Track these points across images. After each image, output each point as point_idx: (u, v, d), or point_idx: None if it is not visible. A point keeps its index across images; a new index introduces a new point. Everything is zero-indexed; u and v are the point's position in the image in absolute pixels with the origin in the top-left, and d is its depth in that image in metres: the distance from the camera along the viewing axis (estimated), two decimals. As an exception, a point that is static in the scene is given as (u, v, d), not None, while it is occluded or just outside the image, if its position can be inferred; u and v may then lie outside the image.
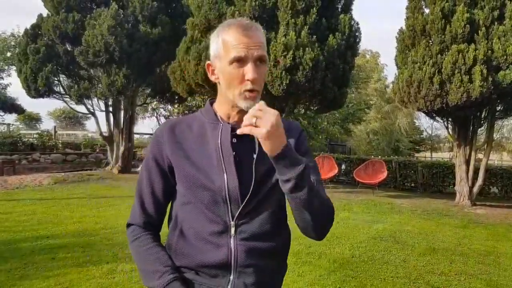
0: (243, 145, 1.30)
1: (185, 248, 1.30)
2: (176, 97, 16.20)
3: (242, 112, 1.26)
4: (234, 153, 1.28)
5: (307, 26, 10.48)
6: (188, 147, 1.32)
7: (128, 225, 1.41)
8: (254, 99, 1.24)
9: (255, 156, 1.30)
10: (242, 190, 1.26)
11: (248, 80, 1.23)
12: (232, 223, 1.26)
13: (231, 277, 1.26)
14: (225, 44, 1.26)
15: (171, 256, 1.32)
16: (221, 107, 1.35)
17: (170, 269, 1.27)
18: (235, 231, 1.26)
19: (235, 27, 1.26)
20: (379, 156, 16.42)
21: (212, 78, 1.34)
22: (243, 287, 1.26)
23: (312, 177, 1.27)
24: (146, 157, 1.39)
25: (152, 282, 1.27)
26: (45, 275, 4.45)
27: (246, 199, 1.26)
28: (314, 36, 10.50)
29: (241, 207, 1.26)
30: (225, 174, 1.26)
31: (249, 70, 1.23)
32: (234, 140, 1.29)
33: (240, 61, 1.23)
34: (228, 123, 1.33)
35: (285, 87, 10.09)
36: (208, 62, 1.35)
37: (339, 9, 12.01)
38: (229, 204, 1.26)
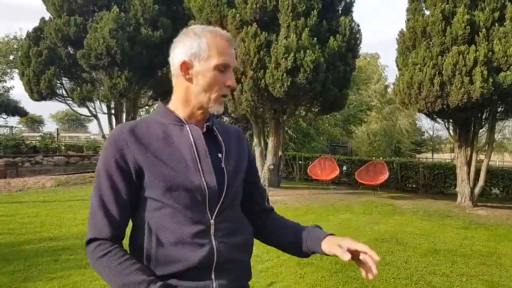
0: (209, 144, 1.32)
1: (167, 255, 1.23)
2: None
3: (205, 114, 1.34)
4: (210, 153, 1.30)
5: (308, 29, 10.54)
6: (156, 149, 1.26)
7: (91, 240, 1.24)
8: (223, 104, 1.34)
9: (220, 155, 1.34)
10: (219, 187, 1.28)
11: (229, 86, 1.31)
12: (212, 221, 1.26)
13: (213, 275, 1.25)
14: (212, 48, 1.28)
15: (151, 266, 1.24)
16: (183, 108, 1.33)
17: (155, 278, 1.19)
18: (215, 229, 1.26)
19: (222, 36, 1.31)
20: (381, 158, 16.45)
21: (185, 77, 1.31)
22: (227, 282, 1.27)
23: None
24: (104, 164, 1.25)
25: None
26: (49, 277, 4.49)
27: (223, 196, 1.29)
28: (315, 38, 10.56)
29: (219, 205, 1.28)
30: (202, 174, 1.26)
31: (231, 78, 1.31)
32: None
33: (224, 68, 1.29)
34: (194, 124, 1.33)
35: (286, 89, 10.14)
36: (184, 59, 1.31)
37: (340, 11, 12.07)
38: (207, 202, 1.26)
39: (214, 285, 1.25)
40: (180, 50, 1.32)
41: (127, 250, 1.27)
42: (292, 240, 1.46)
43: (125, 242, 1.29)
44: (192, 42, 1.30)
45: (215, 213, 1.27)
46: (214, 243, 1.25)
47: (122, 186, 1.25)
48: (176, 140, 1.29)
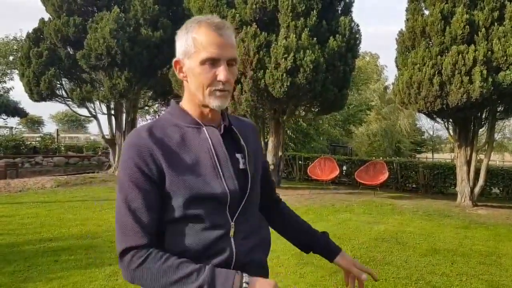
0: (228, 146, 1.29)
1: (188, 256, 1.20)
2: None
3: (215, 111, 1.28)
4: (228, 156, 1.27)
5: (308, 29, 10.55)
6: (176, 155, 1.22)
7: (125, 251, 1.18)
8: (225, 98, 1.25)
9: (240, 155, 1.32)
10: (241, 191, 1.26)
11: (220, 81, 1.21)
12: (232, 223, 1.24)
13: None
14: (196, 42, 1.22)
15: None
16: (192, 108, 1.30)
17: (202, 265, 1.16)
18: (234, 232, 1.24)
19: (207, 25, 1.22)
20: (381, 158, 16.44)
21: (180, 76, 1.30)
22: None
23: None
24: (127, 171, 1.20)
25: (193, 284, 1.13)
26: (49, 277, 4.49)
27: (244, 200, 1.27)
28: (315, 39, 10.57)
29: (240, 209, 1.27)
30: (223, 179, 1.23)
31: (221, 71, 1.21)
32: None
33: (212, 61, 1.21)
34: (211, 125, 1.29)
35: (286, 89, 10.14)
36: (175, 59, 1.30)
37: (339, 12, 12.08)
38: (227, 208, 1.24)
39: None
40: (176, 49, 1.30)
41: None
42: (296, 237, 1.60)
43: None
44: (182, 40, 1.27)
45: (235, 216, 1.26)
46: (233, 246, 1.23)
47: (149, 191, 1.19)
48: (195, 144, 1.25)
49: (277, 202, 1.65)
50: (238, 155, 1.31)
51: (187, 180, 1.19)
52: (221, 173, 1.23)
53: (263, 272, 1.36)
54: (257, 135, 1.49)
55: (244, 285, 1.12)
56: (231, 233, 1.24)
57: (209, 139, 1.26)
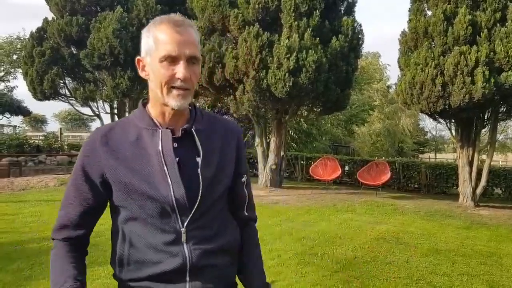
0: (185, 149, 1.27)
1: (139, 259, 1.24)
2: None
3: (177, 112, 1.26)
4: (177, 159, 1.24)
5: (310, 29, 10.56)
6: (126, 156, 1.23)
7: (52, 239, 1.31)
8: (185, 97, 1.22)
9: (199, 160, 1.27)
10: (190, 196, 1.23)
11: (179, 78, 1.19)
12: (183, 229, 1.23)
13: (188, 278, 1.24)
14: (156, 40, 1.21)
15: (124, 269, 1.27)
16: (155, 108, 1.28)
17: (70, 280, 1.20)
18: (186, 237, 1.23)
19: (166, 23, 1.21)
20: (383, 158, 16.45)
21: (142, 74, 1.29)
22: (200, 284, 1.25)
23: (247, 190, 1.45)
24: (74, 170, 1.28)
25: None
26: (52, 275, 4.53)
27: (196, 206, 1.24)
28: (317, 39, 10.57)
29: (191, 214, 1.24)
30: (170, 183, 1.21)
31: (179, 68, 1.19)
32: (175, 145, 1.25)
33: (171, 59, 1.19)
34: (167, 128, 1.27)
35: (288, 89, 10.16)
36: (138, 57, 1.29)
37: (342, 12, 12.08)
38: (177, 212, 1.22)
39: (187, 286, 1.24)
40: (141, 47, 1.29)
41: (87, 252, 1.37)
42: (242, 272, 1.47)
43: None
44: (144, 38, 1.26)
45: (186, 222, 1.24)
46: (186, 251, 1.23)
47: (84, 193, 1.26)
48: (148, 146, 1.24)
49: (244, 222, 1.49)
50: (198, 159, 1.27)
51: (132, 183, 1.21)
52: (168, 178, 1.21)
53: (225, 277, 1.35)
54: (233, 138, 1.40)
55: None
56: (183, 238, 1.23)
57: (160, 142, 1.24)
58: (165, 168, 1.22)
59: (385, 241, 6.68)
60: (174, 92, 1.21)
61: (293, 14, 10.61)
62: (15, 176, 13.51)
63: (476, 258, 5.87)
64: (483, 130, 11.19)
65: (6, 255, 5.25)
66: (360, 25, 11.81)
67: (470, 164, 10.71)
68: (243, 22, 10.95)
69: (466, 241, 6.92)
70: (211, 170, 1.28)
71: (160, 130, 1.25)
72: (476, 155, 10.70)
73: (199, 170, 1.25)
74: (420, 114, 25.46)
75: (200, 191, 1.24)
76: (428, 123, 45.95)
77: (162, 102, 1.24)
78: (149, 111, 1.29)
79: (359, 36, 11.82)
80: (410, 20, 10.59)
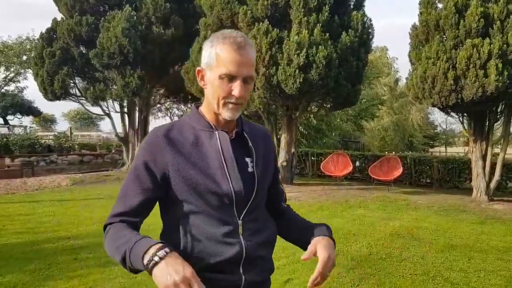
0: (238, 149, 1.41)
1: (201, 250, 1.32)
2: (190, 97, 16.33)
3: (234, 119, 1.40)
4: (238, 159, 1.39)
5: (320, 24, 10.48)
6: (188, 154, 1.35)
7: (105, 227, 1.40)
8: (237, 110, 1.36)
9: (249, 159, 1.43)
10: (247, 191, 1.37)
11: (234, 96, 1.33)
12: (240, 222, 1.36)
13: (241, 270, 1.36)
14: (218, 57, 1.33)
15: (188, 259, 1.26)
16: (209, 113, 1.42)
17: (134, 236, 1.25)
18: (243, 229, 1.36)
19: (230, 44, 1.32)
20: (393, 152, 16.36)
21: (201, 83, 1.42)
22: (253, 275, 1.38)
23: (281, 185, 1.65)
24: (136, 164, 1.37)
25: (120, 252, 1.23)
26: (69, 276, 4.56)
27: (251, 200, 1.39)
28: (327, 34, 10.49)
29: (246, 208, 1.38)
30: (229, 179, 1.35)
31: (236, 87, 1.32)
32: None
33: (230, 77, 1.32)
34: (223, 130, 1.41)
35: (299, 86, 10.11)
36: (199, 68, 1.42)
37: (352, 6, 11.99)
38: (235, 205, 1.35)
39: (242, 278, 1.36)
40: (201, 58, 1.41)
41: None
42: (297, 237, 1.59)
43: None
44: (207, 52, 1.38)
45: (242, 215, 1.37)
46: (242, 241, 1.35)
47: (145, 184, 1.35)
48: (206, 146, 1.38)
49: (283, 212, 1.67)
50: (247, 159, 1.43)
51: (195, 178, 1.33)
52: (227, 174, 1.35)
53: (269, 268, 1.50)
54: (268, 142, 1.57)
55: (156, 258, 1.13)
56: (240, 230, 1.36)
57: (218, 142, 1.38)
58: (225, 166, 1.35)
59: (399, 237, 6.64)
60: (230, 106, 1.35)
61: (302, 10, 10.54)
62: (28, 176, 13.66)
63: (493, 253, 5.82)
64: (496, 124, 11.06)
65: (23, 255, 5.30)
66: (370, 20, 11.70)
67: (484, 158, 10.60)
68: (252, 19, 10.91)
69: (481, 236, 6.86)
70: (260, 168, 1.44)
71: (216, 132, 1.40)
72: (489, 149, 10.59)
73: (253, 168, 1.42)
74: (430, 107, 25.26)
75: (256, 187, 1.39)
76: (438, 117, 45.63)
77: (215, 112, 1.38)
78: (204, 115, 1.43)
79: (369, 30, 11.70)
80: (420, 13, 10.48)
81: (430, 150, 40.31)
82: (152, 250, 1.14)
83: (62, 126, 63.76)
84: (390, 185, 12.52)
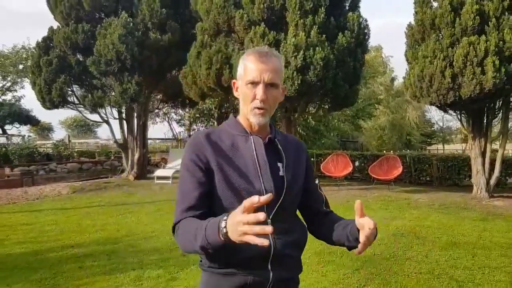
0: (270, 154, 1.54)
1: (232, 245, 1.34)
2: (188, 102, 16.35)
3: (260, 125, 1.53)
4: (270, 163, 1.50)
5: (316, 26, 10.53)
6: (225, 155, 1.48)
7: (173, 227, 1.48)
8: (262, 115, 1.49)
9: (280, 164, 1.54)
10: (277, 192, 1.46)
11: (257, 99, 1.47)
12: (269, 220, 1.45)
13: (270, 266, 1.46)
14: (246, 67, 1.50)
15: (217, 255, 1.38)
16: (244, 121, 1.57)
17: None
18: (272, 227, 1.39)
19: (254, 54, 1.50)
20: (391, 151, 16.40)
21: (235, 94, 1.59)
22: (280, 273, 1.47)
23: (321, 191, 1.75)
24: (185, 163, 1.50)
25: (198, 239, 1.30)
26: (75, 284, 4.56)
27: (281, 200, 1.48)
28: (324, 35, 10.54)
29: (276, 208, 1.47)
30: (261, 180, 1.46)
31: (259, 91, 1.46)
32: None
33: (253, 83, 1.47)
34: (258, 135, 1.54)
35: (297, 87, 10.14)
36: (233, 80, 1.62)
37: (347, 7, 12.05)
38: (265, 205, 1.37)
39: (270, 274, 1.45)
40: (237, 72, 1.59)
41: None
42: (340, 234, 1.58)
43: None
44: (239, 65, 1.57)
45: (271, 214, 1.46)
46: (271, 239, 1.43)
47: (199, 178, 1.46)
48: (242, 149, 1.51)
49: (325, 215, 1.74)
50: (279, 164, 1.54)
51: (232, 177, 1.45)
52: (260, 175, 1.47)
53: (297, 266, 1.61)
54: (301, 151, 1.69)
55: (223, 229, 1.21)
56: None
57: (253, 146, 1.51)
58: (258, 167, 1.48)
59: (402, 236, 6.66)
60: (256, 111, 1.49)
61: (299, 12, 10.58)
62: (28, 185, 13.62)
63: (496, 250, 5.84)
64: (494, 120, 11.11)
65: (27, 265, 5.29)
66: (366, 20, 11.77)
67: (483, 155, 10.65)
68: (249, 22, 10.94)
69: (483, 233, 6.89)
70: (290, 173, 1.55)
71: (251, 137, 1.54)
72: (488, 145, 10.64)
73: (283, 172, 1.52)
74: (426, 106, 25.29)
75: (285, 189, 1.50)
76: (434, 115, 45.78)
77: (247, 118, 1.53)
78: (240, 122, 1.58)
79: (365, 31, 11.77)
80: (416, 12, 10.54)
81: (428, 148, 40.42)
82: (222, 224, 1.22)
83: (59, 134, 63.69)
84: (390, 184, 12.55)
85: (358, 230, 1.43)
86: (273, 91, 1.50)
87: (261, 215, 1.11)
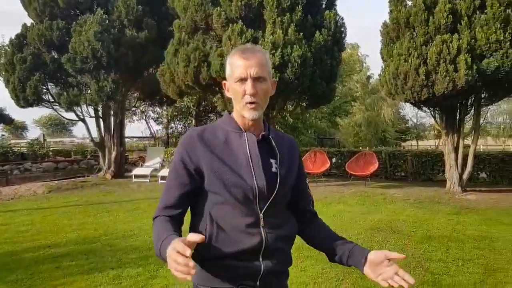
0: (264, 150, 1.56)
1: (225, 238, 1.46)
2: (165, 100, 16.23)
3: (254, 122, 1.56)
4: (262, 159, 1.54)
5: (294, 24, 10.60)
6: (218, 152, 1.51)
7: (153, 219, 1.54)
8: (255, 109, 1.52)
9: (273, 160, 1.57)
10: (269, 188, 1.50)
11: (247, 94, 1.50)
12: (261, 215, 1.49)
13: (261, 259, 1.49)
14: (232, 66, 1.55)
15: (210, 248, 1.46)
16: (238, 118, 1.59)
17: (171, 232, 1.37)
18: (264, 222, 1.49)
19: (238, 52, 1.55)
20: (367, 148, 16.63)
21: (227, 94, 1.62)
22: (271, 265, 1.50)
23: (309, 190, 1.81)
24: (174, 160, 1.55)
25: (156, 248, 1.36)
26: (52, 284, 4.50)
27: (273, 196, 1.51)
28: (301, 33, 10.61)
29: (268, 203, 1.50)
30: (254, 175, 1.49)
31: (248, 87, 1.50)
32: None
33: (241, 80, 1.51)
34: (251, 132, 1.57)
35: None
36: (224, 81, 1.64)
37: (324, 6, 12.14)
38: (257, 200, 1.48)
39: (262, 267, 1.49)
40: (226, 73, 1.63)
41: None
42: (330, 249, 1.67)
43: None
44: (226, 66, 1.61)
45: (264, 209, 1.50)
46: (263, 233, 1.48)
47: (183, 179, 1.51)
48: (235, 145, 1.54)
49: (313, 216, 1.80)
50: (272, 160, 1.57)
51: (224, 172, 1.48)
52: (252, 171, 1.50)
53: (287, 260, 1.63)
54: (294, 149, 1.72)
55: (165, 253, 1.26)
56: (261, 222, 1.49)
57: (246, 142, 1.54)
58: (251, 163, 1.51)
59: (378, 230, 6.79)
60: (248, 106, 1.51)
61: (276, 10, 10.62)
62: (2, 185, 13.33)
63: (469, 242, 6.01)
64: (466, 117, 11.39)
65: (3, 265, 5.19)
66: (342, 18, 11.90)
67: (456, 150, 10.90)
68: (227, 20, 10.94)
69: (457, 226, 7.08)
70: (284, 170, 1.58)
71: (245, 133, 1.56)
72: (461, 141, 10.89)
73: (277, 168, 1.55)
74: (401, 102, 25.68)
75: (278, 185, 1.52)
76: (409, 111, 46.44)
77: (241, 114, 1.55)
78: (234, 119, 1.60)
79: (342, 29, 11.89)
80: (391, 11, 10.71)
81: (403, 144, 41.03)
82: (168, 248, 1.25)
83: (34, 133, 62.39)
84: (366, 180, 12.74)
85: (365, 260, 1.55)
86: (262, 85, 1.53)
87: (188, 253, 1.15)
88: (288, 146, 1.70)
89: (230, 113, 1.65)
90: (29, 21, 14.72)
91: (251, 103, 1.51)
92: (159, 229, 1.44)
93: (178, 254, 1.16)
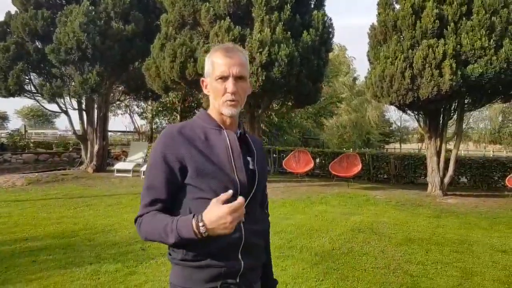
0: (242, 148, 1.60)
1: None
2: (151, 94, 16.08)
3: (231, 119, 1.60)
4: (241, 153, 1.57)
5: (282, 23, 10.58)
6: (200, 148, 1.52)
7: (136, 220, 1.54)
8: (234, 107, 1.56)
9: (250, 158, 1.62)
10: (249, 182, 1.55)
11: (228, 92, 1.54)
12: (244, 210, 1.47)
13: (240, 255, 1.51)
14: (213, 64, 1.57)
15: (190, 245, 1.45)
16: (215, 115, 1.62)
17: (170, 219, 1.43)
18: (244, 217, 1.46)
19: (220, 50, 1.58)
20: (351, 149, 16.70)
21: (205, 91, 1.65)
22: (249, 261, 1.54)
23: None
24: (154, 156, 1.53)
25: (171, 236, 1.40)
26: (28, 278, 4.42)
27: (253, 192, 1.57)
28: (289, 33, 10.60)
29: (249, 198, 1.54)
30: (235, 171, 1.52)
31: (229, 85, 1.54)
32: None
33: (223, 77, 1.54)
34: (230, 129, 1.61)
35: (261, 83, 10.16)
36: (202, 78, 1.67)
37: (312, 6, 12.15)
38: (238, 194, 1.45)
39: (242, 263, 1.52)
40: (204, 70, 1.66)
41: None
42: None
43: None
44: (206, 63, 1.64)
45: (245, 204, 1.45)
46: (242, 228, 1.50)
47: (168, 175, 1.50)
48: (215, 141, 1.56)
49: (267, 218, 1.84)
50: (248, 158, 1.62)
51: (206, 168, 1.49)
52: (233, 166, 1.53)
53: (263, 255, 1.69)
54: (263, 149, 1.80)
55: (201, 228, 1.34)
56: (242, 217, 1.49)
57: (227, 139, 1.57)
58: (232, 159, 1.53)
59: (360, 231, 6.82)
60: (228, 103, 1.55)
61: (264, 8, 10.59)
62: (-20, 176, 13.05)
63: (448, 246, 6.08)
64: (449, 121, 11.52)
65: (-22, 258, 5.09)
66: (330, 19, 11.90)
67: (438, 154, 11.02)
68: (215, 16, 10.87)
69: (437, 229, 7.15)
70: (260, 166, 1.64)
71: (224, 131, 1.59)
72: (443, 145, 11.02)
73: (254, 166, 1.61)
74: (385, 105, 25.90)
75: (257, 179, 1.59)
76: (393, 115, 47.00)
77: (219, 112, 1.59)
78: (212, 116, 1.63)
79: (330, 30, 11.91)
80: (379, 13, 10.76)
81: (386, 146, 41.44)
82: (200, 223, 1.34)
83: (15, 123, 61.37)
84: (349, 181, 12.79)
85: None
86: (242, 84, 1.57)
87: (241, 199, 1.30)
88: (258, 146, 1.75)
89: (206, 110, 1.67)
90: (13, 9, 14.45)
91: (231, 100, 1.55)
92: (162, 218, 1.45)
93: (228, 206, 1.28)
